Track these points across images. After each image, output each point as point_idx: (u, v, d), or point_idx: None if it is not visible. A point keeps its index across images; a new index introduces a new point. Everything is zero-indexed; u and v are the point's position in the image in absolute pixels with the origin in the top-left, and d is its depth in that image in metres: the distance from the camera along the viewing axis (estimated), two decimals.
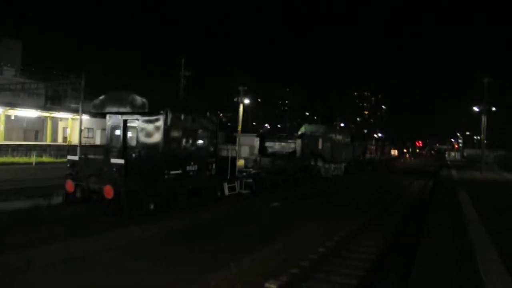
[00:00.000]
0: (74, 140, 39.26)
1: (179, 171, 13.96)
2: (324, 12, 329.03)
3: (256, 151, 24.70)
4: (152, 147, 13.46)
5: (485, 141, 40.70)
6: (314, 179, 27.47)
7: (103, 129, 47.30)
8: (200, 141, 15.16)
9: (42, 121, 45.92)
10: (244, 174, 18.69)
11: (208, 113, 15.54)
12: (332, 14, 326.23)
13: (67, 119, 45.90)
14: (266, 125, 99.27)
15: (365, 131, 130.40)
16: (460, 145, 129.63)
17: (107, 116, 14.49)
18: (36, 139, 46.51)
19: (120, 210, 12.02)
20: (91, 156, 14.38)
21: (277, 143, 26.42)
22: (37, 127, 47.70)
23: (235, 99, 48.13)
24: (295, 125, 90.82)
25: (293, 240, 10.93)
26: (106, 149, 14.68)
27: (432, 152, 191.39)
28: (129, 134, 14.46)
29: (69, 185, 12.76)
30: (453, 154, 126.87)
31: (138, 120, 13.81)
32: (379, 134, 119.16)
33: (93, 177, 12.48)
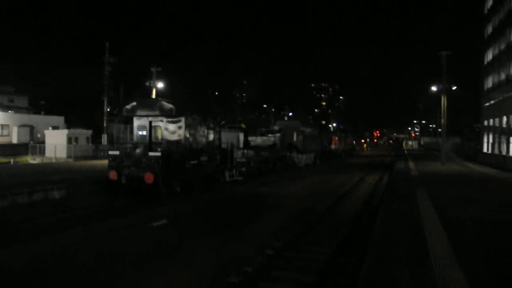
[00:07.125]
0: None
1: (195, 161, 18.08)
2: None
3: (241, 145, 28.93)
4: (175, 142, 17.45)
5: (445, 127, 34.57)
6: (289, 167, 32.17)
7: (23, 126, 46.35)
8: (209, 137, 19.33)
9: None
10: (239, 163, 23.01)
11: (213, 115, 19.76)
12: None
13: None
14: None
15: (323, 122, 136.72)
16: (417, 134, 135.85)
17: (134, 118, 18.31)
18: None
19: (157, 192, 16.02)
20: (129, 151, 18.09)
21: (259, 138, 30.98)
22: None
23: (147, 83, 39.99)
24: (254, 118, 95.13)
25: None
26: (134, 145, 18.50)
27: (390, 141, 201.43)
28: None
29: (113, 174, 16.60)
30: (410, 143, 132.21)
31: (162, 121, 17.74)
32: (334, 124, 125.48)
33: (133, 167, 16.39)
